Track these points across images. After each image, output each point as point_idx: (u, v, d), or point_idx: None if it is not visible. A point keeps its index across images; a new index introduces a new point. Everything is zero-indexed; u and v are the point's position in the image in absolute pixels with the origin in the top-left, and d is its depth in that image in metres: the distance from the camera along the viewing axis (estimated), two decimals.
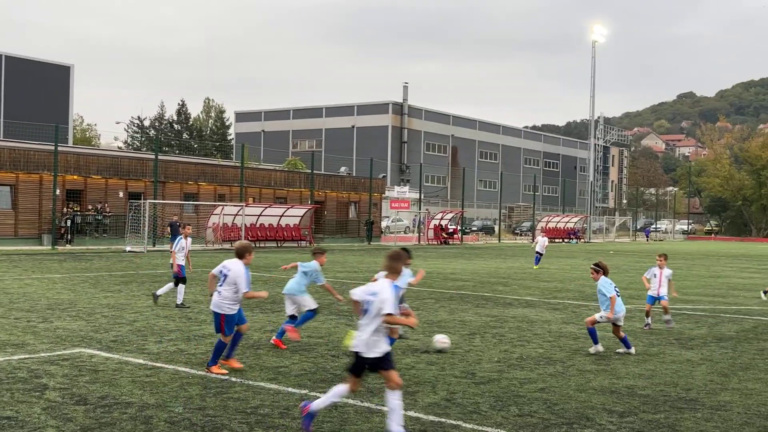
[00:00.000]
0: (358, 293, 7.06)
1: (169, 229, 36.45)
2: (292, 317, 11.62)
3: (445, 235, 57.90)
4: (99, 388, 8.58)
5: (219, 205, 43.62)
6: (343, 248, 45.50)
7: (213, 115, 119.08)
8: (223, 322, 9.47)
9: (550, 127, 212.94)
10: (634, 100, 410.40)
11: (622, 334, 11.70)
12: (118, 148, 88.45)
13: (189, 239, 16.43)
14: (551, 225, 71.98)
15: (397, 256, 7.27)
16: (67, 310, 14.81)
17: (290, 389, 8.72)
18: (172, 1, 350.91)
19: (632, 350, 11.59)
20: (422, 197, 64.35)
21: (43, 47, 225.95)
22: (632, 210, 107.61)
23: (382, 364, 6.94)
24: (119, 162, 44.32)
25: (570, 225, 74.04)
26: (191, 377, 9.23)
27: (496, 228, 74.73)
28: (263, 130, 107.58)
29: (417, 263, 32.46)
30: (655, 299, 14.51)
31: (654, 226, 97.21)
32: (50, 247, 36.79)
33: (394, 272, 7.18)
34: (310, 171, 54.21)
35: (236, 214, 42.79)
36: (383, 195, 64.98)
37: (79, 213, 40.67)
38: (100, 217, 41.48)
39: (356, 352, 6.98)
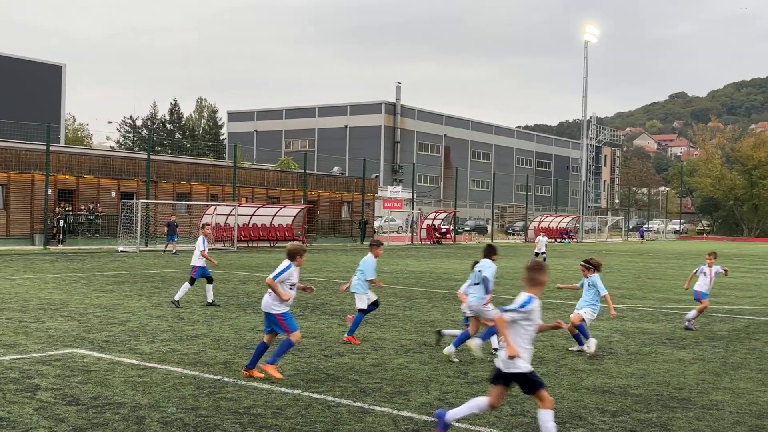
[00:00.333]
0: (509, 314, 6.52)
1: (166, 229, 36.35)
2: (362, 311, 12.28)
3: (438, 235, 57.94)
4: (91, 388, 8.55)
5: (211, 205, 43.54)
6: (336, 248, 45.48)
7: (205, 114, 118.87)
8: (281, 320, 9.26)
9: (542, 127, 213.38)
10: (627, 100, 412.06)
11: (576, 330, 11.51)
12: (111, 147, 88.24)
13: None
14: (544, 225, 72.11)
15: (539, 268, 6.73)
16: (59, 311, 14.76)
17: (283, 389, 8.71)
18: (165, 0, 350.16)
19: (585, 347, 11.37)
20: (415, 197, 64.38)
21: (34, 47, 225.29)
22: (624, 210, 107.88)
23: (527, 382, 6.52)
24: (111, 162, 44.20)
25: (562, 225, 74.20)
26: (184, 377, 9.21)
27: (489, 228, 74.79)
28: (256, 130, 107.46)
29: (409, 263, 32.50)
30: (702, 296, 14.61)
31: (646, 225, 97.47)
32: (42, 247, 36.66)
33: (536, 285, 6.63)
34: (302, 171, 54.17)
35: (229, 214, 42.71)
36: (376, 195, 64.98)
37: (71, 213, 40.54)
38: (92, 217, 41.35)
39: (497, 369, 6.60)
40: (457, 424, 7.45)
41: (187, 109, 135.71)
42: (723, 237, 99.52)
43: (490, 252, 11.32)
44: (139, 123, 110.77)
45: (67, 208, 40.51)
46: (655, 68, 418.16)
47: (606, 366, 10.59)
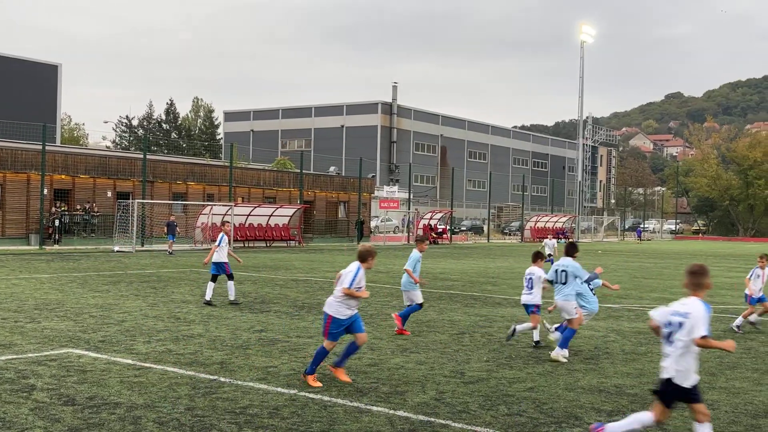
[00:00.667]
0: (658, 315, 6.29)
1: (165, 228, 36.30)
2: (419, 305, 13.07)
3: (434, 235, 57.95)
4: (87, 388, 8.54)
5: (208, 205, 43.51)
6: (332, 248, 45.48)
7: (202, 114, 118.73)
8: (328, 325, 9.05)
9: (538, 127, 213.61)
10: (623, 101, 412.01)
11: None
12: (107, 147, 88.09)
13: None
14: (540, 225, 72.18)
15: (701, 271, 6.34)
16: (54, 311, 14.74)
17: (279, 389, 8.71)
18: (162, 0, 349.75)
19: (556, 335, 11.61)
20: (411, 197, 64.40)
21: (30, 46, 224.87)
22: (620, 210, 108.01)
23: (690, 395, 6.23)
24: (107, 161, 44.13)
25: (558, 225, 74.27)
26: (180, 377, 9.20)
27: (485, 228, 74.86)
28: (252, 130, 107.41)
29: (405, 263, 32.50)
30: (757, 300, 14.73)
31: (642, 225, 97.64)
32: (38, 247, 36.60)
33: (701, 288, 6.28)
34: (299, 171, 54.15)
35: (225, 214, 42.67)
36: (372, 195, 64.98)
37: (66, 213, 40.47)
38: (88, 217, 41.29)
39: (668, 379, 6.23)
40: (453, 423, 7.46)
41: (184, 109, 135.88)
42: (719, 237, 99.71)
43: (572, 250, 11.44)
44: (135, 123, 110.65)
45: (62, 208, 40.44)
46: (651, 68, 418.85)
47: (602, 366, 10.60)
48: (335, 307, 9.09)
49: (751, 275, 15.13)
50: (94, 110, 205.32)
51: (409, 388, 8.89)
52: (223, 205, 43.31)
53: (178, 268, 26.21)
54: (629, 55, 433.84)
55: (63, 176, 41.09)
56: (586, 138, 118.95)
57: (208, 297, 16.20)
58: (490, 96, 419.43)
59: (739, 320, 14.62)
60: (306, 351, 11.08)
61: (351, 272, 9.19)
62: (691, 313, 6.13)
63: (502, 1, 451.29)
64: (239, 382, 9.00)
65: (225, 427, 7.19)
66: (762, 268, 14.95)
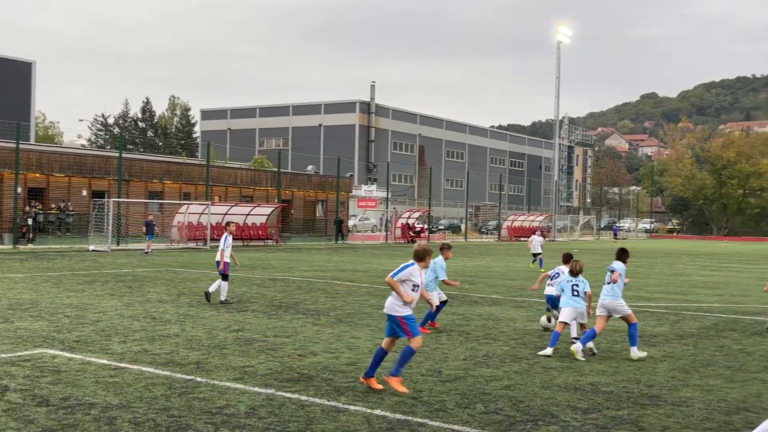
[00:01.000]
0: None
1: (144, 228, 35.99)
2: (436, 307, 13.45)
3: (412, 234, 58.04)
4: (61, 389, 8.46)
5: (184, 204, 43.25)
6: (310, 247, 45.39)
7: (178, 112, 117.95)
8: (404, 324, 8.72)
9: (515, 127, 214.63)
10: (598, 101, 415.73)
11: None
12: (82, 146, 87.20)
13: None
14: (517, 224, 72.52)
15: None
16: (28, 310, 14.58)
17: (257, 389, 8.68)
18: None
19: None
20: (389, 196, 64.44)
21: (4, 43, 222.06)
22: (596, 209, 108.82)
23: None
24: (83, 160, 43.73)
25: (535, 224, 74.60)
26: (156, 377, 9.14)
27: (463, 227, 75.09)
28: (229, 128, 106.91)
29: (383, 262, 32.51)
30: None
31: (617, 224, 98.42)
32: (12, 247, 36.16)
33: None
34: (276, 169, 53.97)
35: (202, 213, 42.45)
36: (350, 194, 64.94)
37: (41, 212, 40.05)
38: (62, 216, 40.88)
39: None
40: (430, 422, 7.48)
41: (160, 107, 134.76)
42: (693, 236, 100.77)
43: (624, 255, 11.76)
44: (110, 121, 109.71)
45: (37, 207, 40.00)
46: (627, 69, 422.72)
47: (578, 364, 10.67)
48: (398, 307, 8.79)
49: None
50: (69, 108, 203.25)
51: (386, 387, 8.90)
52: (199, 204, 43.07)
53: (154, 268, 26.04)
54: (605, 56, 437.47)
55: (37, 175, 40.64)
56: (563, 138, 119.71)
57: (223, 297, 16.39)
58: (467, 96, 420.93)
59: None
60: (283, 350, 11.06)
61: (401, 265, 8.91)
62: None
63: (480, 1, 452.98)
64: (216, 382, 8.96)
65: (201, 427, 7.16)
66: None
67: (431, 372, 9.85)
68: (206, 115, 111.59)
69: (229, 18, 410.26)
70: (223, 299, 16.42)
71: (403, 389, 8.61)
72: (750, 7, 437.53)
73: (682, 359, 11.27)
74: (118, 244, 38.61)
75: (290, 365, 10.04)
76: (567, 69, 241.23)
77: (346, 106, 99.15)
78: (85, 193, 42.85)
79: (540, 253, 30.57)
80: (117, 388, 8.53)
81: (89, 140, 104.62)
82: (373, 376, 8.87)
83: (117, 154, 44.01)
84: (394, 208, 63.22)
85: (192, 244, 41.48)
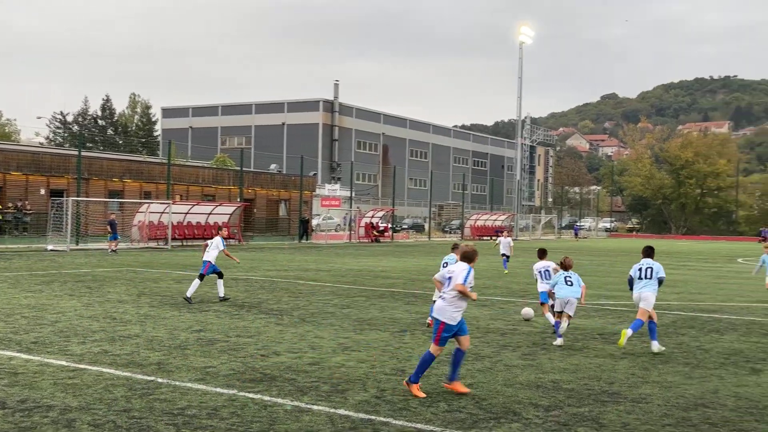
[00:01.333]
0: None
1: (108, 227, 35.44)
2: None
3: (376, 233, 58.06)
4: (18, 391, 8.30)
5: (145, 203, 42.73)
6: (273, 246, 45.16)
7: (139, 110, 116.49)
8: (440, 331, 8.67)
9: (478, 127, 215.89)
10: (560, 101, 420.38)
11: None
12: (40, 144, 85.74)
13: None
14: (480, 223, 72.96)
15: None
16: None
17: (219, 389, 8.61)
18: None
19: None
20: (353, 195, 64.38)
21: None
22: (557, 208, 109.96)
23: None
24: (41, 158, 42.99)
25: (498, 223, 75.21)
26: (116, 379, 9.02)
27: (426, 226, 75.34)
28: (191, 127, 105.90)
29: (347, 261, 32.48)
30: None
31: (578, 223, 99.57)
32: None
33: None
34: (239, 168, 53.59)
35: (163, 212, 41.97)
36: (314, 193, 64.73)
37: None
38: (20, 215, 40.12)
39: None
40: (394, 421, 7.48)
41: (120, 105, 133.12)
42: (652, 235, 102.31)
43: (651, 252, 12.60)
44: (69, 119, 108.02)
45: None
46: (587, 70, 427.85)
47: (540, 361, 10.77)
48: (449, 312, 8.67)
49: None
50: (27, 105, 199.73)
51: (350, 387, 8.89)
52: (160, 203, 42.60)
53: (114, 267, 25.69)
54: (566, 57, 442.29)
55: None
56: (525, 138, 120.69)
57: (221, 294, 16.73)
58: (431, 95, 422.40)
59: None
60: (246, 350, 10.98)
61: (463, 270, 8.75)
62: None
63: (443, 1, 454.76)
64: (177, 383, 8.86)
65: (163, 428, 7.08)
66: None
67: (395, 371, 9.86)
68: (167, 113, 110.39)
69: (191, 16, 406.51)
70: (189, 294, 16.42)
71: (465, 389, 8.69)
72: (707, 10, 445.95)
73: (642, 356, 11.44)
74: (77, 244, 38.00)
75: (253, 365, 9.97)
76: (529, 69, 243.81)
77: (310, 105, 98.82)
78: (43, 191, 42.11)
79: (507, 256, 29.75)
80: (76, 390, 8.39)
81: (47, 138, 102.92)
82: (456, 379, 8.84)
83: (76, 153, 43.31)
84: (357, 208, 63.18)
85: (153, 244, 41.00)
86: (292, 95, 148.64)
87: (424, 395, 8.50)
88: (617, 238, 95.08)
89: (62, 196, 39.45)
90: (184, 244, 43.38)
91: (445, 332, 8.69)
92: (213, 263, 16.72)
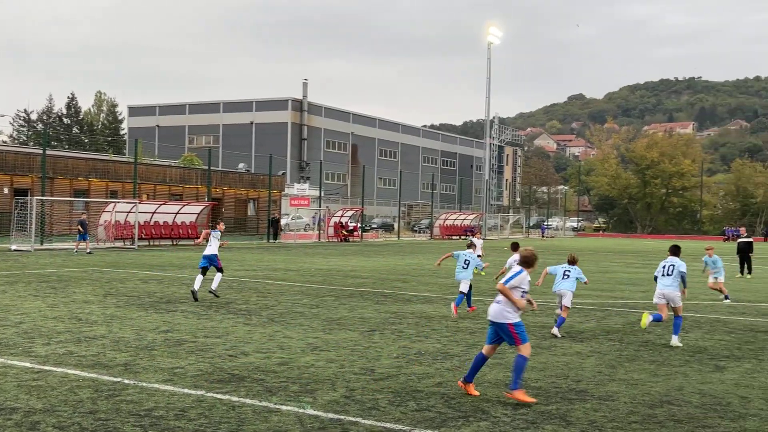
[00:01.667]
0: None
1: (79, 227, 34.93)
2: (463, 293, 15.69)
3: (345, 233, 57.99)
4: None
5: (111, 202, 42.24)
6: (241, 246, 44.88)
7: (105, 109, 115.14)
8: (514, 331, 8.44)
9: (447, 127, 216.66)
10: (528, 101, 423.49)
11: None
12: (3, 142, 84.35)
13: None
14: (449, 222, 73.19)
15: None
16: None
17: (186, 390, 8.54)
18: None
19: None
20: (322, 195, 64.23)
21: None
22: (525, 208, 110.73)
23: None
24: (4, 157, 42.31)
25: (466, 222, 75.53)
26: (82, 380, 8.90)
27: (396, 225, 75.40)
28: (158, 125, 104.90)
29: (316, 261, 32.39)
30: None
31: (546, 223, 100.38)
32: None
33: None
34: (207, 167, 53.21)
35: (129, 212, 41.52)
36: (283, 192, 64.46)
37: None
38: None
39: None
40: (363, 421, 7.48)
41: (85, 103, 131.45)
42: (618, 234, 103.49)
43: (677, 251, 13.20)
44: (34, 117, 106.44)
45: None
46: (555, 70, 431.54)
47: (508, 360, 10.82)
48: (507, 314, 8.50)
49: None
50: None
51: (319, 387, 8.87)
52: (127, 203, 42.14)
53: (79, 268, 25.36)
54: (534, 57, 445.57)
55: None
56: (493, 138, 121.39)
57: (214, 287, 17.21)
58: (399, 95, 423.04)
59: None
60: (214, 351, 10.90)
61: (512, 272, 8.66)
62: None
63: (411, 1, 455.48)
64: (144, 384, 8.77)
65: (129, 430, 7.00)
66: None
67: (364, 370, 9.85)
68: (134, 111, 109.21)
69: (158, 13, 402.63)
70: (214, 287, 17.21)
71: (530, 399, 8.38)
72: (672, 12, 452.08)
73: (608, 354, 11.56)
74: (42, 244, 37.45)
75: (221, 366, 9.91)
76: (497, 70, 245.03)
77: (278, 104, 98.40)
78: (6, 191, 41.44)
79: (480, 256, 29.41)
80: (40, 392, 8.27)
81: (11, 136, 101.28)
82: (471, 382, 8.72)
83: (41, 151, 42.68)
84: (327, 207, 63.04)
85: (119, 244, 40.55)
86: (260, 94, 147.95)
87: (534, 400, 8.37)
88: (584, 237, 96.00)
89: (26, 196, 38.84)
90: (151, 244, 42.96)
91: (518, 328, 8.49)
92: (217, 255, 17.39)
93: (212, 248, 17.26)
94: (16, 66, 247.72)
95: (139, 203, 42.31)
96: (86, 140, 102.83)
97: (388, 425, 7.40)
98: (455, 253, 16.23)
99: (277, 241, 51.39)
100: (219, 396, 8.31)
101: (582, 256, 43.43)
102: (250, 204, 58.42)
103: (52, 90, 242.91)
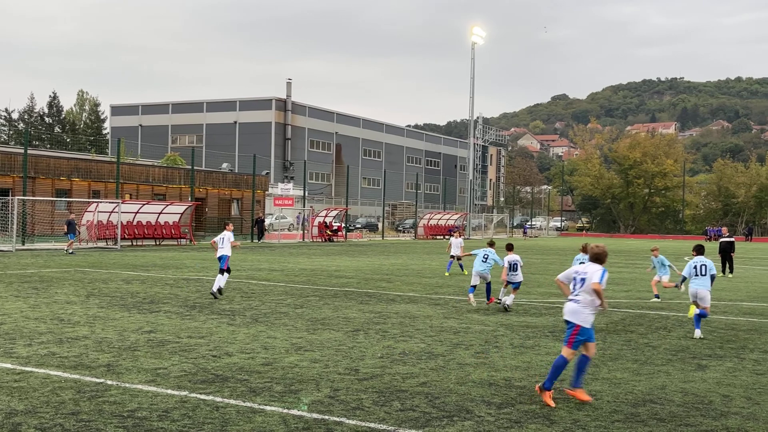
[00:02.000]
0: None
1: (66, 227, 34.68)
2: (474, 287, 17.19)
3: (329, 233, 57.91)
4: None
5: (93, 202, 41.96)
6: None
7: (87, 108, 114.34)
8: (575, 335, 8.41)
9: (431, 126, 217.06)
10: (511, 101, 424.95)
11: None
12: None
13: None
14: (433, 222, 73.28)
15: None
16: None
17: (169, 391, 8.50)
18: None
19: None
20: (306, 194, 64.11)
21: None
22: (509, 207, 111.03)
23: None
24: None
25: (450, 222, 75.63)
26: (64, 381, 8.84)
27: (380, 225, 75.39)
28: (141, 125, 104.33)
29: (300, 261, 32.33)
30: None
31: (529, 223, 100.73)
32: None
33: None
34: (190, 167, 52.96)
35: (112, 212, 41.26)
36: (266, 192, 64.29)
37: None
38: None
39: None
40: (347, 421, 7.47)
41: (68, 102, 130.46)
42: (601, 234, 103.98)
43: (702, 250, 14.14)
44: (15, 116, 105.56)
45: None
46: (538, 71, 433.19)
47: (492, 359, 10.86)
48: (585, 315, 8.43)
49: None
50: None
51: (303, 387, 8.85)
52: (109, 202, 41.88)
53: (61, 268, 25.18)
54: (518, 58, 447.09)
55: None
56: (477, 137, 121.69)
57: (221, 285, 17.53)
58: (384, 95, 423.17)
59: None
60: (197, 351, 10.86)
61: (597, 271, 8.48)
62: None
63: (396, 2, 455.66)
64: (127, 385, 8.72)
65: (112, 431, 6.96)
66: None
67: (348, 370, 9.85)
68: (116, 110, 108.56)
69: (141, 11, 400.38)
70: (214, 290, 17.39)
71: (588, 398, 8.45)
72: (654, 13, 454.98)
73: None
74: (23, 244, 37.16)
75: (204, 366, 9.87)
76: (481, 70, 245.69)
77: (262, 104, 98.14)
78: None
79: (460, 258, 27.44)
80: (22, 393, 8.20)
81: None
82: (579, 386, 8.60)
83: (22, 151, 42.34)
84: (311, 207, 62.94)
85: (102, 244, 40.29)
86: (244, 93, 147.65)
87: (554, 405, 8.27)
88: (568, 236, 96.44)
89: (7, 195, 38.53)
90: (134, 244, 42.72)
91: (579, 335, 8.43)
92: (229, 256, 17.88)
93: (224, 249, 17.82)
94: None
95: (122, 203, 42.06)
96: (68, 140, 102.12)
97: (372, 425, 7.40)
98: (474, 251, 17.76)
99: (260, 241, 51.23)
100: (203, 397, 8.28)
101: (565, 255, 43.68)
102: (233, 204, 58.22)
103: (34, 89, 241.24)
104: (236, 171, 70.86)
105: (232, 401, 8.11)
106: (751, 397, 8.98)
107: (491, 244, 17.94)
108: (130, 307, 15.56)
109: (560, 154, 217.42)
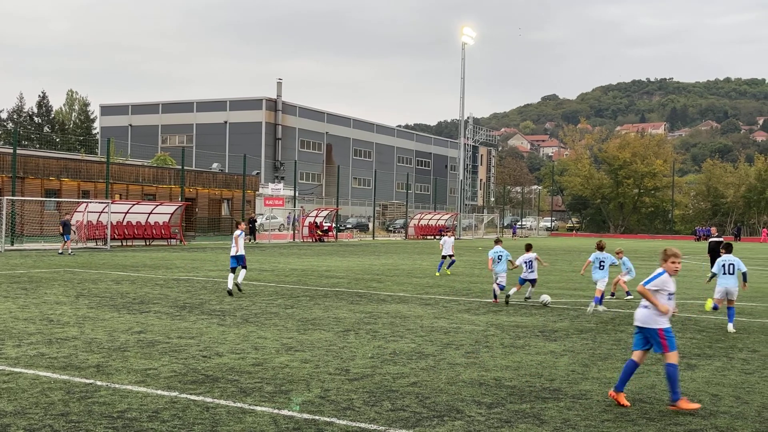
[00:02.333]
0: None
1: (61, 228, 34.51)
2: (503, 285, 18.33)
3: (320, 233, 57.88)
4: None
5: (83, 202, 41.80)
6: (215, 246, 44.63)
7: (76, 107, 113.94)
8: (663, 338, 8.22)
9: (422, 127, 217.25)
10: (502, 102, 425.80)
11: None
12: None
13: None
14: (423, 222, 73.36)
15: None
16: None
17: (159, 392, 8.47)
18: None
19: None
20: (297, 194, 64.05)
21: None
22: (499, 207, 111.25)
23: None
24: None
25: (441, 222, 75.74)
26: (53, 382, 8.80)
27: (370, 225, 75.40)
28: (131, 125, 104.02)
29: (291, 261, 32.29)
30: None
31: (520, 223, 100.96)
32: None
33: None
34: (180, 167, 52.81)
35: (101, 212, 41.11)
36: (257, 192, 64.19)
37: None
38: None
39: None
40: (338, 421, 7.47)
41: (57, 102, 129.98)
42: (591, 233, 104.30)
43: (731, 248, 15.00)
44: (4, 116, 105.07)
45: None
46: (529, 71, 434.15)
47: (482, 359, 10.88)
48: (655, 317, 8.29)
49: None
50: None
51: (293, 387, 8.85)
52: (99, 203, 41.72)
53: (51, 268, 25.07)
54: (508, 58, 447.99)
55: None
56: (467, 138, 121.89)
57: (239, 280, 18.52)
58: (374, 95, 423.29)
59: None
60: (187, 352, 10.83)
61: (654, 273, 8.46)
62: None
63: (387, 2, 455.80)
64: (117, 386, 8.69)
65: None
66: None
67: (339, 371, 9.85)
68: (106, 110, 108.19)
69: (131, 11, 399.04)
70: (239, 281, 18.46)
71: (694, 405, 8.25)
72: (643, 14, 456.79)
73: (582, 353, 11.64)
74: (12, 244, 36.97)
75: (194, 367, 9.84)
76: (471, 70, 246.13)
77: (253, 103, 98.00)
78: None
79: (452, 256, 27.18)
80: (11, 394, 8.16)
81: None
82: (622, 391, 8.49)
83: (11, 150, 42.13)
84: (301, 207, 62.88)
85: (91, 244, 40.13)
86: (234, 93, 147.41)
87: (698, 405, 8.24)
88: (558, 236, 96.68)
89: None
90: (124, 244, 42.58)
91: (667, 333, 8.29)
92: (240, 255, 18.45)
93: (241, 247, 18.49)
94: None
95: (112, 203, 41.92)
96: (58, 139, 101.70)
97: (362, 425, 7.40)
98: (490, 252, 18.86)
99: (252, 241, 51.13)
100: (193, 397, 8.26)
101: (555, 255, 43.81)
102: (223, 204, 58.11)
103: (23, 88, 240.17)
104: (226, 171, 70.72)
105: (222, 402, 8.10)
106: (740, 396, 9.03)
107: (498, 242, 19.22)
108: (119, 307, 15.52)
109: (550, 154, 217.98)
